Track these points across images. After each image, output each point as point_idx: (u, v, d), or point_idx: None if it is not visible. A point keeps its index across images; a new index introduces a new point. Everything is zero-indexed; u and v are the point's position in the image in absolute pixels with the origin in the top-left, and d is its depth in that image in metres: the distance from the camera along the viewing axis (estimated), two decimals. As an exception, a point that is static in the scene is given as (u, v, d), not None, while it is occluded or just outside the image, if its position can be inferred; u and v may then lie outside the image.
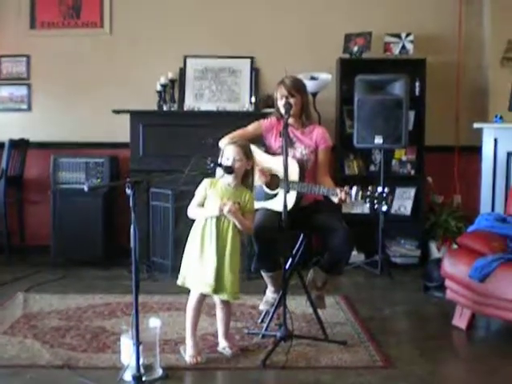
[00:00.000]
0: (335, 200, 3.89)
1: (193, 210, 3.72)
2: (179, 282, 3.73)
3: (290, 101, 4.12)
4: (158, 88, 6.32)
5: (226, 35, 6.59)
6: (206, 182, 3.73)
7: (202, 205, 3.69)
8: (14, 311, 4.63)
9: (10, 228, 6.31)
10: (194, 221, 3.74)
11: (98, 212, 6.15)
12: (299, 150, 4.20)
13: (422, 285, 5.34)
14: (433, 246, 6.31)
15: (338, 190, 3.84)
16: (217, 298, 3.75)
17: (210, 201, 3.67)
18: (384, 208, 3.80)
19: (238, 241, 3.69)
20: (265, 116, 4.51)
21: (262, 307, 4.31)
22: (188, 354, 3.69)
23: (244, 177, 3.74)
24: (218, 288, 3.62)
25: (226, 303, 3.78)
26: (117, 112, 6.09)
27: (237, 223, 3.62)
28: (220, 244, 3.62)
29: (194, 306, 3.71)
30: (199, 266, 3.63)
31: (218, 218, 3.63)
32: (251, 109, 6.27)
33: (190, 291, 3.74)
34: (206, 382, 3.53)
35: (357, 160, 6.56)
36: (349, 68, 6.34)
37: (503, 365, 3.76)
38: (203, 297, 3.71)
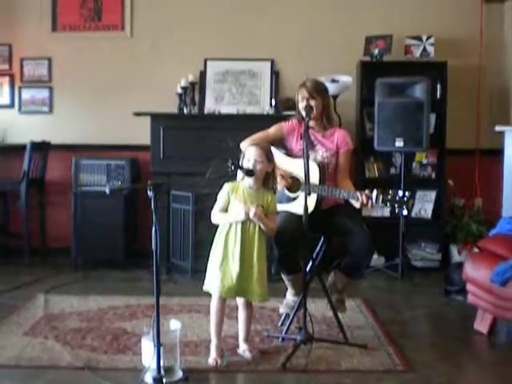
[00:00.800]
0: (356, 205, 3.87)
1: (216, 216, 3.71)
2: (205, 287, 3.73)
3: (311, 103, 4.11)
4: (179, 91, 6.33)
5: (246, 38, 6.60)
6: (227, 186, 3.71)
7: (225, 210, 3.69)
8: (35, 312, 4.66)
9: (32, 230, 6.34)
10: (214, 223, 3.74)
11: (118, 214, 6.17)
12: (320, 153, 4.18)
13: (442, 288, 5.31)
14: (454, 250, 6.26)
15: (358, 194, 3.83)
16: (240, 301, 3.75)
17: (233, 206, 3.66)
18: (405, 212, 3.78)
19: (264, 243, 3.69)
20: (285, 119, 4.50)
21: (282, 310, 4.30)
22: (210, 355, 3.69)
23: (265, 179, 3.73)
24: (244, 291, 3.63)
25: (248, 306, 3.77)
26: (137, 114, 6.12)
27: (262, 226, 3.63)
28: (246, 248, 3.62)
29: (216, 310, 3.70)
30: (221, 270, 3.62)
31: (244, 222, 3.62)
32: (271, 111, 6.27)
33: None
34: (225, 385, 3.54)
35: (377, 163, 6.53)
36: (369, 71, 6.34)
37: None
38: (224, 300, 3.71)
